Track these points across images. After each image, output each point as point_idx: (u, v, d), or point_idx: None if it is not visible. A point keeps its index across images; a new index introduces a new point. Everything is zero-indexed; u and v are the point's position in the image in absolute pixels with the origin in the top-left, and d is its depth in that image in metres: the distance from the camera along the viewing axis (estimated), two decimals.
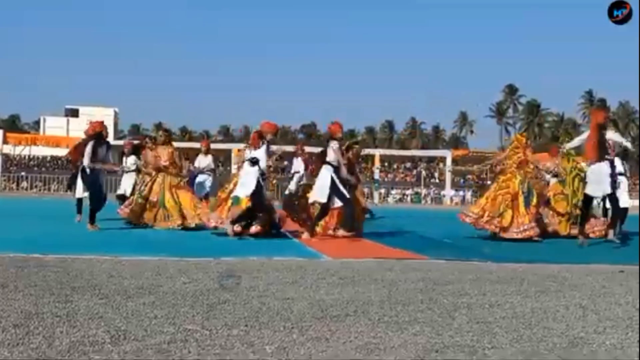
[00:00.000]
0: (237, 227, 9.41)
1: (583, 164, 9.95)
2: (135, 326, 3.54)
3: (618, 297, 4.88)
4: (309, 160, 12.09)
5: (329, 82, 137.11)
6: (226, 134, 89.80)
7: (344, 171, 9.79)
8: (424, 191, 48.57)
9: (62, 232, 9.89)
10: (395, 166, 50.44)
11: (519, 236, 10.19)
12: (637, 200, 32.45)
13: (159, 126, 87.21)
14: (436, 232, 12.40)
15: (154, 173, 11.21)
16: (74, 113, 59.60)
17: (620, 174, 10.43)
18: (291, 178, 15.47)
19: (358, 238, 9.82)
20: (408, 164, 54.41)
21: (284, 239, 9.76)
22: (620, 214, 10.10)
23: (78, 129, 50.65)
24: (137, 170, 12.66)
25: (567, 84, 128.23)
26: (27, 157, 45.92)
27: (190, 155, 19.08)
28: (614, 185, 9.26)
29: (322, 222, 10.24)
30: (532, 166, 10.80)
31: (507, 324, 3.88)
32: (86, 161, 10.11)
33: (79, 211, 11.49)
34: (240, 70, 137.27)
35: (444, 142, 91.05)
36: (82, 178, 10.55)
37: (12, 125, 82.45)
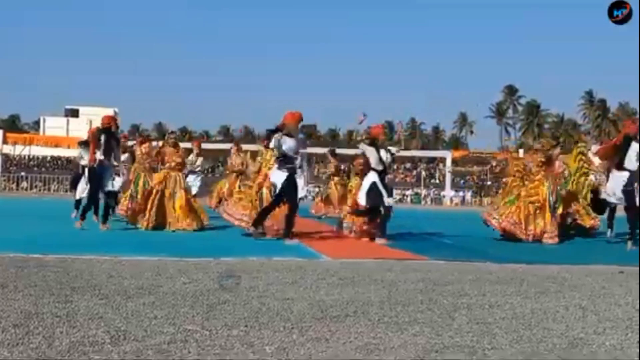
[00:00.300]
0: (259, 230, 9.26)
1: (595, 160, 10.04)
2: (135, 326, 3.54)
3: (618, 298, 4.88)
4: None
5: (329, 82, 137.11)
6: (226, 134, 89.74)
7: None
8: (423, 192, 48.58)
9: (62, 232, 9.89)
10: (395, 167, 50.41)
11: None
12: None
13: (159, 126, 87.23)
14: (436, 232, 12.40)
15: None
16: (74, 113, 59.63)
17: None
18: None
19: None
20: (408, 165, 54.43)
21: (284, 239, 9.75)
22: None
23: (78, 129, 50.72)
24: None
25: (567, 84, 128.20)
26: (27, 157, 45.92)
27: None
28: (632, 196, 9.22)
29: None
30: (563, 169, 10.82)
31: (506, 324, 3.88)
32: (98, 154, 10.11)
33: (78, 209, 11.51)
34: (240, 70, 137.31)
35: (444, 143, 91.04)
36: (89, 172, 10.48)
37: (12, 125, 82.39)
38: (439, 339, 3.48)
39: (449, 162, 49.41)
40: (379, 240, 9.42)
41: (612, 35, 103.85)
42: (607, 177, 9.93)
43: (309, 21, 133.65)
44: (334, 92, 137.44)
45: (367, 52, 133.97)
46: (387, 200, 9.67)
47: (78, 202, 11.62)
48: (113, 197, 11.11)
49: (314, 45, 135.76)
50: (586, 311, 4.35)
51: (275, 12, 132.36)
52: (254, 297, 4.51)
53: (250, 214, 9.78)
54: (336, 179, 16.07)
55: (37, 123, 68.73)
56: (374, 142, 9.83)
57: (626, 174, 9.07)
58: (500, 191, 15.10)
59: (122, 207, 11.53)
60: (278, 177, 9.16)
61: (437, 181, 51.36)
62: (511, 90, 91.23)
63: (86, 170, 11.31)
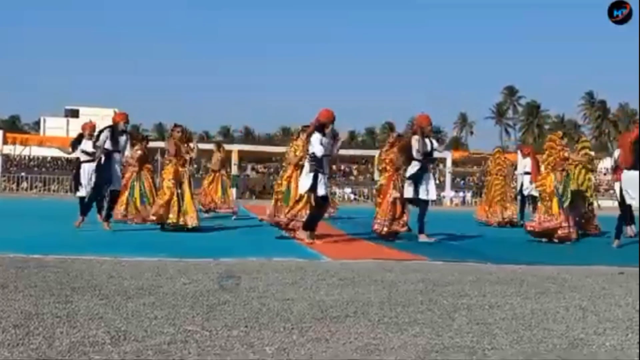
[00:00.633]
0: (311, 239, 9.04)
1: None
2: (135, 327, 3.54)
3: (618, 299, 4.88)
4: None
5: (329, 82, 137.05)
6: (226, 135, 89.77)
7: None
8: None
9: (62, 232, 9.88)
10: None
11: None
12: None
13: (159, 126, 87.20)
14: (436, 233, 12.39)
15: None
16: (74, 113, 59.61)
17: None
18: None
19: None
20: None
21: (284, 239, 9.75)
22: None
23: (78, 129, 50.72)
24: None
25: (567, 84, 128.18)
26: (27, 158, 45.93)
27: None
28: None
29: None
30: (572, 161, 10.79)
31: (507, 325, 3.88)
32: (99, 143, 10.12)
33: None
34: (240, 70, 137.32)
35: (444, 144, 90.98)
36: (96, 166, 10.41)
37: (12, 125, 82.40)
38: (439, 339, 3.48)
39: (449, 162, 49.42)
40: (421, 237, 9.37)
41: (612, 35, 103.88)
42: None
43: (309, 21, 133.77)
44: (334, 92, 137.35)
45: (367, 52, 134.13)
46: (426, 194, 9.56)
47: (82, 199, 11.52)
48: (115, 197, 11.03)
49: (314, 45, 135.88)
50: (586, 312, 4.35)
51: (275, 12, 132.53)
52: (254, 298, 4.51)
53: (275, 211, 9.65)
54: None
55: (37, 123, 68.73)
56: (421, 131, 9.75)
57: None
58: (484, 190, 15.16)
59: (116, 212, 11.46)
60: (305, 183, 9.07)
61: (437, 182, 51.38)
62: (511, 91, 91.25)
63: (82, 166, 11.29)
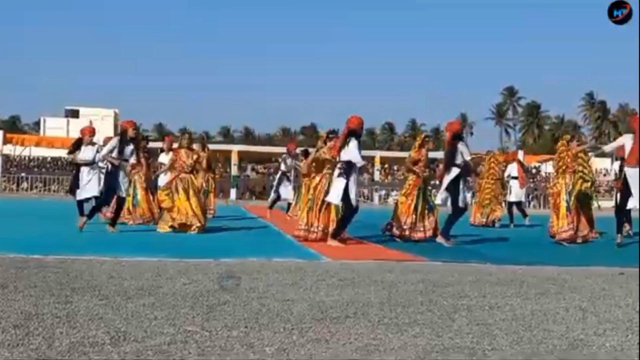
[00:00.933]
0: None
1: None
2: (135, 327, 3.54)
3: (618, 300, 4.89)
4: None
5: (329, 82, 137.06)
6: (226, 135, 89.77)
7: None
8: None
9: (62, 232, 9.88)
10: (395, 168, 50.35)
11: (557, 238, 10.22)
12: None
13: (159, 126, 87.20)
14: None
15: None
16: (74, 114, 59.57)
17: None
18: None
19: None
20: None
21: (284, 240, 9.76)
22: None
23: (78, 129, 50.72)
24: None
25: (567, 84, 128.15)
26: (27, 158, 45.92)
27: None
28: None
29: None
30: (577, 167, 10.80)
31: (507, 325, 3.88)
32: (103, 152, 10.14)
33: (82, 213, 11.39)
34: (240, 70, 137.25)
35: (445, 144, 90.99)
36: (106, 173, 10.41)
37: (13, 126, 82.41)
38: (439, 340, 3.48)
39: None
40: (440, 239, 9.29)
41: (612, 35, 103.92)
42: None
43: (309, 21, 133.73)
44: (334, 92, 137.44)
45: (367, 52, 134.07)
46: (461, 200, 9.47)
47: (80, 202, 11.51)
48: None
49: (314, 45, 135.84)
50: (586, 313, 4.35)
51: (275, 12, 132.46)
52: (254, 298, 4.51)
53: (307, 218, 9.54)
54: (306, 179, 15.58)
55: (37, 124, 68.68)
56: (459, 136, 9.70)
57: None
58: (477, 193, 15.16)
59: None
60: (337, 193, 8.85)
61: (437, 182, 51.36)
62: (511, 92, 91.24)
63: (82, 169, 11.27)
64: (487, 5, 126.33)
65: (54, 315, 3.77)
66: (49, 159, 45.00)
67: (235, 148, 44.69)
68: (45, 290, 4.57)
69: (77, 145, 11.61)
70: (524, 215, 15.12)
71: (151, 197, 12.13)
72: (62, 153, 44.91)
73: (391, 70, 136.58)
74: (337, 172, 8.89)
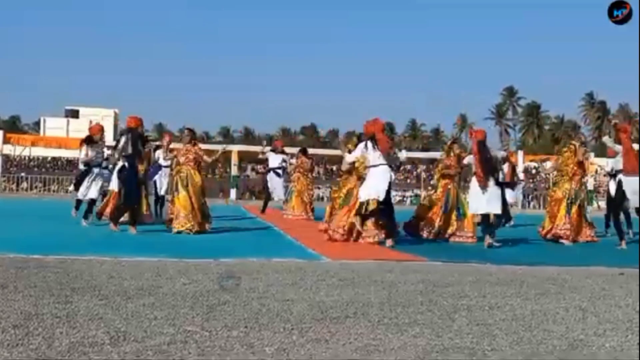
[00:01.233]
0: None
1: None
2: (135, 327, 3.54)
3: (618, 300, 4.89)
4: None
5: (329, 82, 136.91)
6: (226, 135, 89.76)
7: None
8: (423, 193, 48.53)
9: (62, 232, 9.88)
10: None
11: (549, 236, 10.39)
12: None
13: (159, 126, 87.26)
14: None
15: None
16: (74, 114, 59.61)
17: None
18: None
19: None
20: (408, 166, 54.42)
21: (284, 240, 9.76)
22: None
23: (78, 129, 50.73)
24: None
25: (566, 84, 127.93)
26: (27, 158, 45.95)
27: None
28: None
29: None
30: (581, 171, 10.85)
31: (506, 326, 3.88)
32: (117, 154, 10.00)
33: (79, 209, 11.34)
34: (240, 70, 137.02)
35: (444, 144, 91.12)
36: (118, 172, 10.22)
37: (13, 126, 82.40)
38: (439, 340, 3.48)
39: None
40: (487, 241, 9.21)
41: (612, 35, 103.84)
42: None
43: (309, 21, 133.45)
44: (334, 92, 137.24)
45: (367, 52, 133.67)
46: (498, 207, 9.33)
47: (79, 201, 11.49)
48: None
49: (314, 45, 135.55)
50: (586, 313, 4.35)
51: (275, 12, 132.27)
52: (254, 298, 4.51)
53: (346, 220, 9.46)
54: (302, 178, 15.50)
55: (38, 124, 68.69)
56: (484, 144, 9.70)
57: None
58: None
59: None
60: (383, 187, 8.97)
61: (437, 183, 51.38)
62: (510, 92, 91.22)
63: (93, 168, 11.20)
64: (487, 5, 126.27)
65: (54, 315, 3.77)
66: (49, 158, 45.02)
67: (235, 148, 44.66)
68: (45, 290, 4.57)
69: (88, 143, 11.38)
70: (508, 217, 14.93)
71: (143, 193, 11.97)
72: (62, 153, 45.02)
73: (391, 70, 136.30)
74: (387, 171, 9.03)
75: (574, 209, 10.29)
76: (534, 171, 44.24)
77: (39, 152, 46.50)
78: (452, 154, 10.47)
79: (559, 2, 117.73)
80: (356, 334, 3.55)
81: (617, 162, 10.16)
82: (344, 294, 4.82)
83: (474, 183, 9.32)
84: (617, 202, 9.94)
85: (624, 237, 9.81)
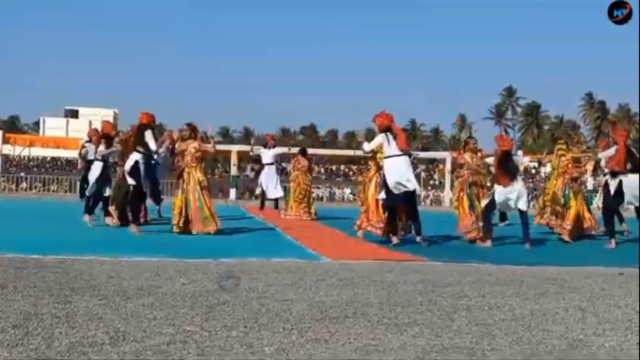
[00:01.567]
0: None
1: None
2: (134, 327, 3.54)
3: (617, 300, 4.89)
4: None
5: (329, 82, 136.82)
6: (225, 135, 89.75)
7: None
8: (423, 193, 48.52)
9: (62, 232, 9.88)
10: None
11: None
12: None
13: (159, 127, 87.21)
14: (435, 233, 12.38)
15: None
16: (74, 114, 59.62)
17: None
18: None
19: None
20: None
21: (283, 240, 9.75)
22: None
23: (78, 129, 50.75)
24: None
25: (566, 84, 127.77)
26: (26, 158, 45.97)
27: None
28: None
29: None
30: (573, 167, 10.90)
31: (506, 326, 3.88)
32: (153, 146, 9.79)
33: (92, 211, 11.13)
34: (239, 70, 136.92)
35: (444, 144, 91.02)
36: (132, 169, 9.75)
37: (12, 126, 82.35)
38: (438, 340, 3.48)
39: (448, 163, 49.47)
40: (527, 246, 9.13)
41: (612, 35, 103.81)
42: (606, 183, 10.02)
43: (309, 21, 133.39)
44: (334, 92, 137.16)
45: (367, 52, 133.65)
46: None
47: (89, 199, 11.32)
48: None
49: (314, 45, 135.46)
50: (586, 313, 4.35)
51: (275, 12, 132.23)
52: (253, 298, 4.51)
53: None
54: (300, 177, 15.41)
55: (37, 124, 68.67)
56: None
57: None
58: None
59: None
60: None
61: (438, 183, 51.40)
62: (510, 92, 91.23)
63: (95, 166, 11.08)
64: (486, 5, 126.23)
65: (53, 315, 3.77)
66: (48, 158, 45.04)
67: (235, 148, 44.66)
68: (44, 290, 4.57)
69: (106, 140, 11.16)
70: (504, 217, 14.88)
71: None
72: (62, 153, 45.06)
73: (390, 70, 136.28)
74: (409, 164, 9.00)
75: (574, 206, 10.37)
76: (533, 171, 44.25)
77: (38, 152, 46.54)
78: (466, 154, 10.33)
79: (559, 2, 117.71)
80: (356, 334, 3.55)
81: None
82: (344, 294, 4.82)
83: (497, 186, 9.32)
84: (615, 202, 9.92)
85: (615, 236, 9.83)
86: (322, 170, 46.18)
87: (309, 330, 3.62)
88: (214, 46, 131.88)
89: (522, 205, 9.27)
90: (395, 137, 8.91)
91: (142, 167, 9.73)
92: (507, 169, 9.23)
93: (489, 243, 9.32)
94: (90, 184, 10.92)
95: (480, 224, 9.56)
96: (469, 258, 7.47)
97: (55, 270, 5.48)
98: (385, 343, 3.39)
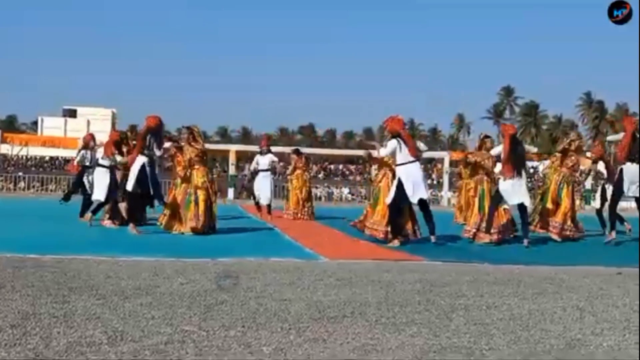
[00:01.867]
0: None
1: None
2: (132, 327, 3.54)
3: (615, 299, 4.89)
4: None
5: (328, 82, 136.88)
6: (224, 135, 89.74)
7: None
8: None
9: (60, 232, 9.87)
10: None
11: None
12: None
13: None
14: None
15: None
16: (72, 113, 59.57)
17: None
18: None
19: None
20: None
21: (281, 239, 9.75)
22: None
23: (76, 129, 50.68)
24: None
25: (566, 84, 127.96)
26: (24, 157, 45.92)
27: None
28: None
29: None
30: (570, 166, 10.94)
31: (504, 325, 3.88)
32: (159, 152, 9.90)
33: (92, 211, 11.11)
34: (239, 70, 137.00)
35: (442, 144, 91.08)
36: (139, 173, 9.74)
37: (10, 125, 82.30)
38: (436, 339, 3.48)
39: (446, 163, 49.47)
40: (526, 242, 9.19)
41: (612, 35, 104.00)
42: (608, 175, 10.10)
43: (309, 21, 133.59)
44: (333, 92, 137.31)
45: (367, 52, 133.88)
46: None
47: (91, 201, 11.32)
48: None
49: (314, 45, 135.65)
50: (584, 312, 4.36)
51: (275, 12, 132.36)
52: (251, 298, 4.51)
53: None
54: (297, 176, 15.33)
55: (35, 123, 68.60)
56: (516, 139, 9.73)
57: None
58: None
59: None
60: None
61: (436, 182, 51.43)
62: (508, 91, 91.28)
63: (98, 172, 11.11)
64: (486, 5, 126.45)
65: (51, 315, 3.76)
66: (46, 158, 45.01)
67: (233, 148, 44.65)
68: (42, 289, 4.56)
69: (117, 146, 11.14)
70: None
71: None
72: (60, 152, 45.01)
73: (389, 70, 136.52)
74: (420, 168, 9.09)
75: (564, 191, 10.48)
76: (531, 170, 44.27)
77: (36, 151, 46.49)
78: (483, 151, 10.33)
79: (559, 2, 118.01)
80: (354, 334, 3.55)
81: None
82: (342, 293, 4.82)
83: (502, 178, 9.33)
84: (616, 192, 9.90)
85: (615, 227, 9.85)
86: (320, 169, 46.14)
87: (307, 329, 3.62)
88: (213, 46, 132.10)
89: (525, 201, 9.29)
90: (405, 143, 8.94)
91: (148, 169, 9.75)
92: (514, 158, 9.21)
93: (487, 239, 9.35)
94: (96, 189, 10.96)
95: (483, 224, 9.59)
96: (467, 258, 7.48)
97: (53, 270, 5.48)
98: (383, 343, 3.39)
